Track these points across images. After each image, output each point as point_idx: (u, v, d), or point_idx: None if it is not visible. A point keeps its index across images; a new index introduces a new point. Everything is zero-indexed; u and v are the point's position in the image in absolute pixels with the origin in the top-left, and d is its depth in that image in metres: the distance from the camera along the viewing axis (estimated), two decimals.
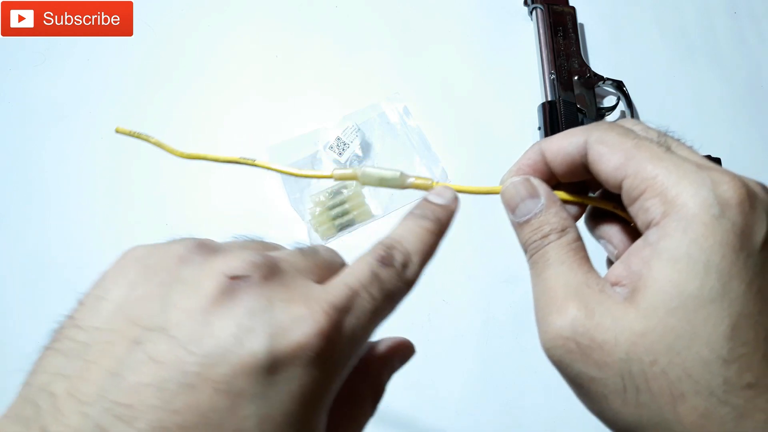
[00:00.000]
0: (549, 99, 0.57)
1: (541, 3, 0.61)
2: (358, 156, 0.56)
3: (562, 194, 0.26)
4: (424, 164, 0.57)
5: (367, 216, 0.55)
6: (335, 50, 0.63)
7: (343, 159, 0.56)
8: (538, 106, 0.58)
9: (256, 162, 0.28)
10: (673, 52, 0.64)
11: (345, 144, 0.56)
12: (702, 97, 0.62)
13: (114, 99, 0.59)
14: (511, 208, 0.25)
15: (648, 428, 0.19)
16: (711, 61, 0.64)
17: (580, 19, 0.62)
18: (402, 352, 0.25)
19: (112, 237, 0.54)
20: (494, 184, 0.29)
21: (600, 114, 0.57)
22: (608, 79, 0.58)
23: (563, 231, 0.24)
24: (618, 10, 0.66)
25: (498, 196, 0.27)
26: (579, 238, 0.24)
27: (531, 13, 0.63)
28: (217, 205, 0.55)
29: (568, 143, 0.24)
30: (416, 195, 0.59)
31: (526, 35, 0.64)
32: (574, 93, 0.57)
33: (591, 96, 0.57)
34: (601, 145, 0.23)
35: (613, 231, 0.26)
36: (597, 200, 0.26)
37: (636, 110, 0.60)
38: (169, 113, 0.59)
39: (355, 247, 0.57)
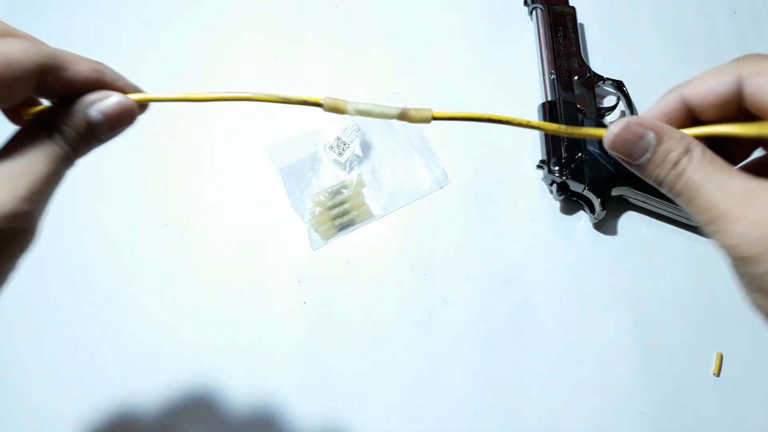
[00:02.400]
0: (549, 99, 0.57)
1: (541, 3, 0.61)
2: (358, 156, 0.56)
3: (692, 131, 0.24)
4: (424, 164, 0.57)
5: (367, 216, 0.55)
6: (335, 50, 0.63)
7: (343, 159, 0.56)
8: (538, 106, 0.58)
9: (241, 96, 0.28)
10: (673, 52, 0.64)
11: (345, 144, 0.56)
12: None
13: None
14: (627, 155, 0.25)
15: None
16: (711, 61, 0.64)
17: (580, 19, 0.62)
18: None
19: (112, 236, 0.54)
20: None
21: (600, 114, 0.57)
22: (608, 79, 0.58)
23: (689, 150, 0.23)
24: (618, 10, 0.66)
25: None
26: (707, 149, 0.23)
27: (531, 13, 0.63)
28: (216, 206, 0.55)
29: (716, 83, 0.23)
30: (416, 195, 0.59)
31: (526, 35, 0.64)
32: (574, 93, 0.57)
33: (591, 96, 0.57)
34: (760, 77, 0.22)
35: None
36: (726, 126, 0.25)
37: (636, 110, 0.60)
38: (168, 113, 0.59)
39: (356, 247, 0.57)
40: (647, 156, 0.24)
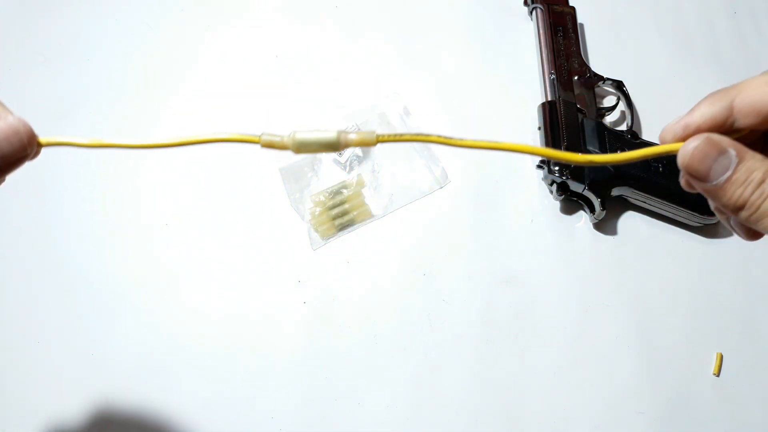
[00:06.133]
0: (549, 99, 0.57)
1: (541, 3, 0.61)
2: (358, 156, 0.56)
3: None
4: (424, 164, 0.57)
5: (367, 216, 0.55)
6: (335, 50, 0.63)
7: (343, 159, 0.56)
8: (538, 106, 0.58)
9: (157, 143, 0.27)
10: (673, 52, 0.64)
11: None
12: (702, 97, 0.62)
13: (114, 99, 0.59)
14: (704, 174, 0.23)
15: None
16: (711, 61, 0.64)
17: (580, 19, 0.62)
18: None
19: (112, 236, 0.54)
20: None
21: (600, 114, 0.57)
22: (608, 79, 0.58)
23: None
24: (618, 10, 0.66)
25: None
26: None
27: (531, 13, 0.63)
28: (216, 206, 0.55)
29: None
30: (416, 195, 0.59)
31: (526, 35, 0.64)
32: (574, 93, 0.57)
33: (591, 96, 0.57)
34: None
35: None
36: None
37: (636, 110, 0.60)
38: (167, 113, 0.59)
39: (356, 247, 0.57)
40: (727, 174, 0.23)
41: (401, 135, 0.26)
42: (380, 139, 0.25)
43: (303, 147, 0.25)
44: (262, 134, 0.26)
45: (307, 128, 0.26)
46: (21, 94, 0.59)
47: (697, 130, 0.24)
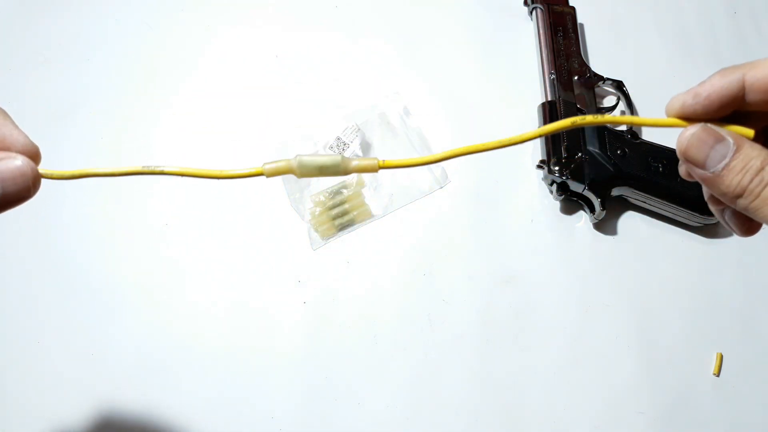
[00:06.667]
0: (549, 99, 0.57)
1: (541, 3, 0.61)
2: (358, 156, 0.56)
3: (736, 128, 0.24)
4: None
5: (367, 216, 0.55)
6: (335, 50, 0.63)
7: None
8: (538, 106, 0.58)
9: (164, 170, 0.28)
10: (673, 52, 0.64)
11: (345, 144, 0.56)
12: None
13: (114, 99, 0.59)
14: (701, 161, 0.23)
15: None
16: (711, 61, 0.64)
17: (580, 19, 0.62)
18: None
19: (112, 236, 0.54)
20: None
21: (600, 114, 0.57)
22: (608, 79, 0.58)
23: None
24: (618, 10, 0.66)
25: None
26: None
27: (531, 13, 0.63)
28: (216, 206, 0.55)
29: None
30: (416, 195, 0.58)
31: (526, 35, 0.64)
32: (574, 93, 0.57)
33: (591, 96, 0.57)
34: None
35: None
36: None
37: (636, 110, 0.60)
38: (168, 112, 0.59)
39: (356, 247, 0.57)
40: (725, 162, 0.23)
41: (403, 161, 0.28)
42: (382, 165, 0.27)
43: (306, 174, 0.27)
44: (264, 164, 0.27)
45: (311, 155, 0.27)
46: (21, 94, 0.59)
47: (707, 100, 0.24)
